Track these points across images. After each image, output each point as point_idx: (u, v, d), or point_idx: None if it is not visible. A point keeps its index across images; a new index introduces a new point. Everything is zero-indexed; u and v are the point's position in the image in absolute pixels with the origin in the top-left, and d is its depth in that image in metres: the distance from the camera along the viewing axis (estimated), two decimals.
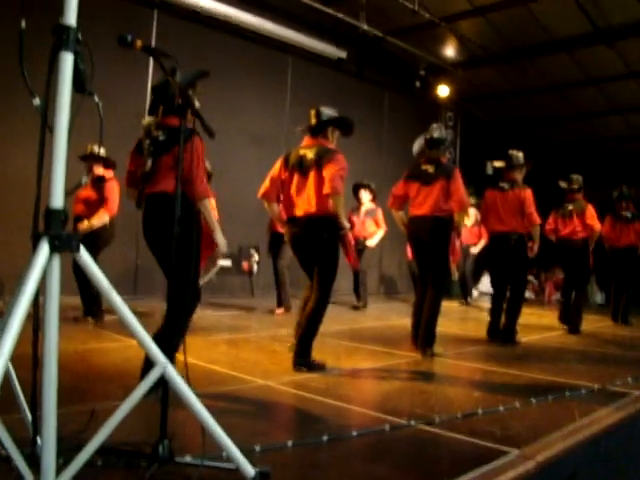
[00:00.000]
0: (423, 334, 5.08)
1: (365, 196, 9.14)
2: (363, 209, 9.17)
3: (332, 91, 10.69)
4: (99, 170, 6.26)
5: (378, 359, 4.91)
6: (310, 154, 4.37)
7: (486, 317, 6.42)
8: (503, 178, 6.25)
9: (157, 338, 3.17)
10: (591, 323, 7.92)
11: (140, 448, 2.39)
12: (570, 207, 7.26)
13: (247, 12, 9.58)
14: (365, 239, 9.10)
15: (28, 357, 2.06)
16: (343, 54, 11.06)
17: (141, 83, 8.63)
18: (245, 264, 10.33)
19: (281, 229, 4.94)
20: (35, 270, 1.82)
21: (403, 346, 5.40)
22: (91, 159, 6.24)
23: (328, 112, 4.48)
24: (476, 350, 5.65)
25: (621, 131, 13.17)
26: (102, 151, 6.26)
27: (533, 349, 5.90)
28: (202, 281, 8.40)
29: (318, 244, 4.31)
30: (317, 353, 4.53)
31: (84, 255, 1.97)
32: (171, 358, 3.17)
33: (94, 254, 6.05)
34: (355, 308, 8.99)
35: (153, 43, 8.75)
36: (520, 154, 6.22)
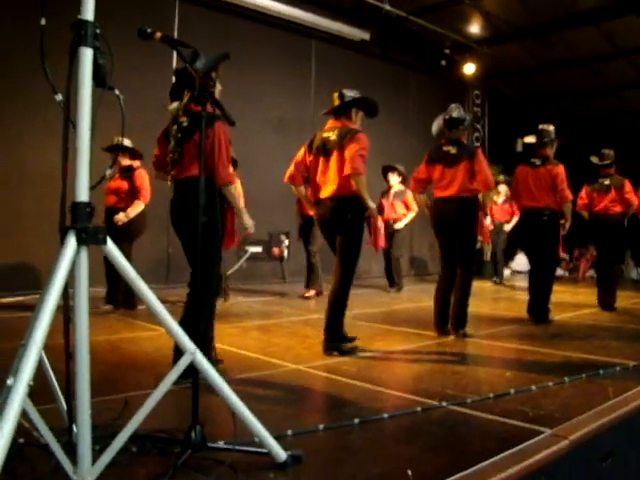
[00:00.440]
0: (455, 315, 5.08)
1: (394, 179, 9.10)
2: (392, 192, 9.13)
3: (356, 74, 10.61)
4: (126, 161, 6.35)
5: (410, 341, 4.91)
6: (333, 136, 4.39)
7: (518, 296, 6.36)
8: (534, 154, 6.13)
9: (183, 324, 3.22)
10: (626, 299, 7.79)
11: (173, 435, 2.42)
12: (607, 182, 7.09)
13: None
14: (395, 222, 9.07)
15: (62, 348, 2.11)
16: (366, 35, 10.97)
17: (165, 73, 8.65)
18: (276, 250, 10.38)
19: (311, 212, 4.97)
20: (63, 263, 1.86)
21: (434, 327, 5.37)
22: (117, 150, 6.32)
23: (351, 93, 4.48)
24: (508, 329, 5.60)
25: None
26: (128, 142, 6.33)
27: (566, 327, 5.82)
28: (233, 268, 8.55)
29: (343, 225, 4.32)
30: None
31: (111, 247, 2.00)
32: (200, 344, 3.21)
33: (129, 243, 6.24)
34: (388, 291, 9.00)
35: (175, 31, 8.82)
36: (551, 128, 6.08)
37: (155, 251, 8.61)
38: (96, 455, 1.99)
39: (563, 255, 13.45)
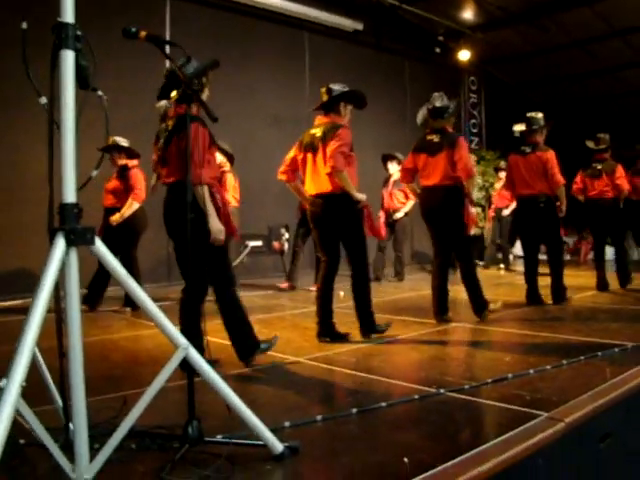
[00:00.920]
0: (473, 304, 5.22)
1: (393, 167, 9.09)
2: (391, 180, 9.13)
3: (351, 64, 10.60)
4: (122, 160, 6.35)
5: (410, 329, 4.92)
6: (319, 132, 4.45)
7: (520, 281, 6.36)
8: (525, 141, 6.16)
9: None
10: None
11: (173, 430, 2.45)
12: (599, 167, 7.11)
13: None
14: (395, 211, 9.08)
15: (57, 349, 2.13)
16: (359, 26, 10.95)
17: (161, 72, 8.67)
18: (276, 244, 10.38)
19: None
20: (53, 264, 1.87)
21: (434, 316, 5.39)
22: (113, 150, 6.33)
23: (338, 88, 4.50)
24: (508, 315, 5.61)
25: None
26: (124, 142, 6.34)
27: (567, 310, 5.83)
28: (234, 263, 8.55)
29: (338, 222, 4.39)
30: (348, 327, 4.59)
31: (100, 247, 2.02)
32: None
33: (132, 242, 6.26)
34: (389, 280, 9.06)
35: (167, 29, 8.81)
36: (540, 115, 6.11)
37: (156, 249, 8.63)
38: (95, 453, 2.01)
39: (564, 238, 13.49)
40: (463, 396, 2.98)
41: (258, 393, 3.23)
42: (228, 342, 4.49)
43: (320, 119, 4.58)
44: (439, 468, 2.08)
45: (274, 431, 2.38)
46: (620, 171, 7.05)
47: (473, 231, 12.35)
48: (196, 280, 3.70)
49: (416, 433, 2.53)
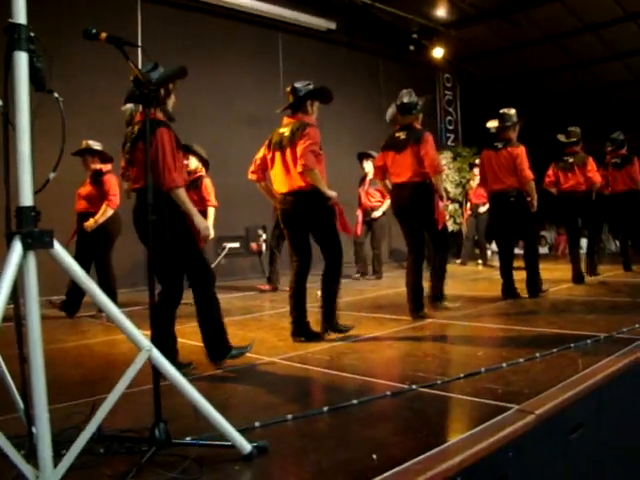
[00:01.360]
0: (433, 292, 5.31)
1: (368, 166, 9.09)
2: (367, 179, 9.15)
3: (325, 64, 10.61)
4: (95, 165, 6.27)
5: (385, 327, 4.92)
6: (287, 132, 4.46)
7: (498, 276, 6.39)
8: (497, 137, 6.22)
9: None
10: (603, 272, 7.87)
11: (142, 433, 2.42)
12: (571, 160, 7.20)
13: None
14: (372, 210, 9.10)
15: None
16: (332, 25, 10.97)
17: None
18: (254, 245, 10.36)
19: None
20: (10, 269, 1.84)
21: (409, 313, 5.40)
22: (86, 154, 6.25)
23: (302, 86, 4.52)
24: (484, 309, 5.64)
25: (623, 76, 12.92)
26: (97, 145, 6.27)
27: (542, 303, 5.87)
28: (212, 265, 8.51)
29: (310, 219, 4.38)
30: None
31: (59, 251, 1.98)
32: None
33: (106, 247, 6.18)
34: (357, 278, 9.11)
35: (139, 30, 8.74)
36: (512, 112, 6.17)
37: (133, 253, 8.50)
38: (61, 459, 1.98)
39: (543, 232, 13.62)
40: (435, 391, 2.98)
41: (231, 394, 3.21)
42: (199, 344, 4.48)
43: (288, 118, 4.60)
44: (408, 463, 2.07)
45: (244, 431, 2.37)
46: (591, 164, 7.14)
47: (451, 227, 12.52)
48: (172, 284, 3.67)
49: (387, 429, 2.53)
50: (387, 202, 8.99)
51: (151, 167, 3.48)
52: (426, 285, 5.38)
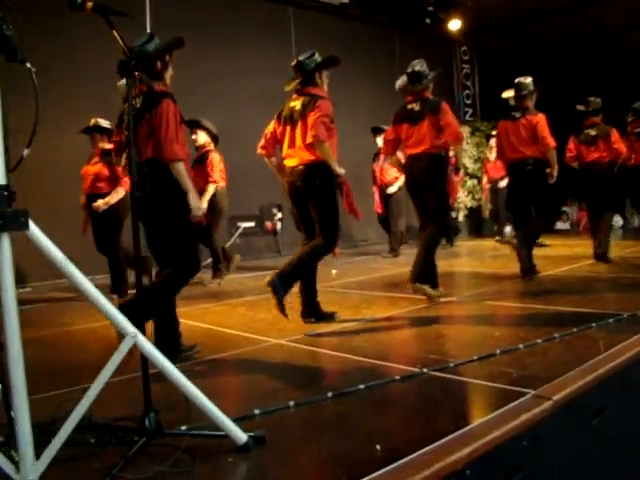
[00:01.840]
0: (413, 269, 4.92)
1: (381, 141, 8.87)
2: (382, 155, 8.92)
3: (338, 39, 10.33)
4: (104, 144, 6.13)
5: (397, 306, 4.76)
6: (298, 105, 4.32)
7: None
8: (515, 107, 5.97)
9: (130, 306, 3.12)
10: (625, 248, 7.63)
11: (134, 423, 2.29)
12: (593, 132, 6.90)
13: None
14: (387, 186, 8.92)
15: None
16: None
17: None
18: (268, 224, 10.24)
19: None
20: None
21: None
22: (95, 131, 6.13)
23: (309, 59, 4.38)
24: (502, 287, 5.45)
25: None
26: (106, 123, 6.12)
27: (561, 281, 5.66)
28: (226, 245, 8.42)
29: (312, 192, 4.21)
30: (337, 305, 4.49)
31: (35, 231, 1.84)
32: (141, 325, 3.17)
33: (117, 228, 6.07)
34: (384, 256, 8.91)
35: (147, 9, 8.56)
36: (528, 80, 5.92)
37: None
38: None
39: (565, 208, 13.30)
40: (447, 375, 2.82)
41: (233, 379, 3.10)
42: (207, 325, 4.39)
43: (298, 91, 4.44)
44: (413, 455, 1.92)
45: (242, 420, 2.24)
46: (616, 135, 6.84)
47: (470, 203, 12.28)
48: (184, 261, 3.51)
49: (394, 417, 2.38)
50: (403, 178, 8.79)
51: (152, 139, 3.38)
52: (442, 263, 5.18)
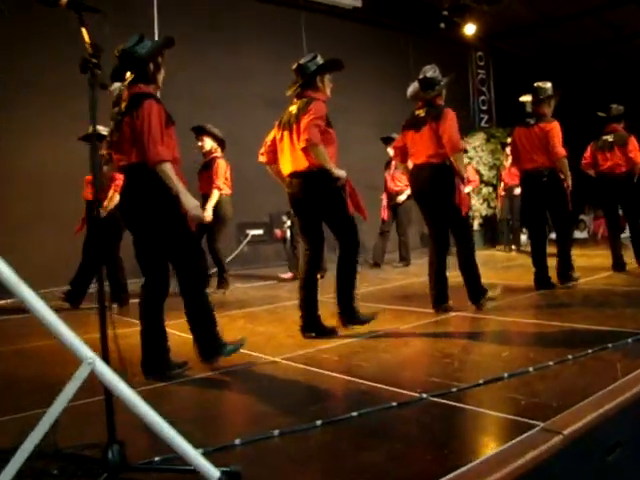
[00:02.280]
0: (470, 292, 4.79)
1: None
2: (393, 163, 8.73)
3: (351, 44, 10.16)
4: (103, 151, 5.97)
5: (404, 321, 4.53)
6: (294, 110, 4.15)
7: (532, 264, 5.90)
8: (531, 113, 5.73)
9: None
10: None
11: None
12: (610, 139, 6.65)
13: None
14: (397, 194, 8.72)
15: None
16: (358, 2, 10.50)
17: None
18: (278, 231, 10.02)
19: None
20: None
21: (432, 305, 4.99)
22: (95, 139, 5.97)
23: (310, 62, 4.21)
24: (515, 301, 5.18)
25: None
26: (104, 130, 5.96)
27: (577, 294, 5.38)
28: (233, 254, 8.23)
29: (319, 203, 4.05)
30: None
31: None
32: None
33: (116, 236, 5.91)
34: (395, 266, 8.69)
35: (155, 10, 8.45)
36: (548, 85, 5.67)
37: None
38: None
39: (582, 216, 12.98)
40: (448, 402, 2.58)
41: (220, 401, 2.89)
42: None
43: (298, 96, 4.25)
44: None
45: (222, 450, 2.04)
46: (633, 143, 6.57)
47: (485, 211, 12.00)
48: (157, 275, 3.37)
49: (386, 451, 2.14)
50: None
51: (136, 141, 3.20)
52: (451, 274, 4.95)
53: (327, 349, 3.75)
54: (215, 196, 6.55)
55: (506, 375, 2.88)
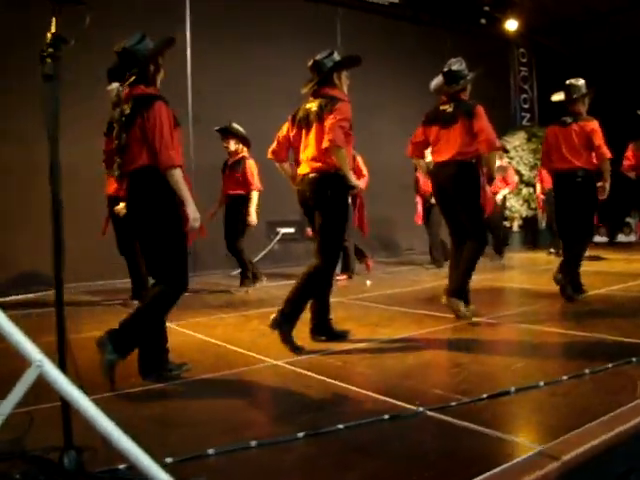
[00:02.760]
0: (449, 283, 4.59)
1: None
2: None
3: (387, 40, 9.98)
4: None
5: (420, 326, 4.35)
6: (314, 107, 3.94)
7: None
8: (565, 111, 5.43)
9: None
10: None
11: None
12: None
13: None
14: (431, 195, 8.49)
15: None
16: None
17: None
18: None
19: None
20: None
21: None
22: None
23: (327, 59, 4.02)
24: (541, 308, 4.93)
25: None
26: None
27: (609, 302, 5.11)
28: (262, 252, 8.14)
29: (321, 203, 3.85)
30: (354, 322, 4.29)
31: None
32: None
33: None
34: (426, 268, 8.52)
35: (187, 10, 8.43)
36: (580, 82, 5.38)
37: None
38: None
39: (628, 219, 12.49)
40: (444, 417, 2.41)
41: (209, 405, 2.77)
42: (211, 340, 4.11)
43: (315, 93, 4.06)
44: None
45: (195, 459, 1.93)
46: None
47: (525, 213, 11.66)
48: (175, 278, 3.23)
49: (368, 470, 1.98)
50: None
51: (146, 145, 3.12)
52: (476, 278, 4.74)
53: (333, 354, 3.61)
54: (255, 197, 6.53)
55: (513, 389, 2.69)
